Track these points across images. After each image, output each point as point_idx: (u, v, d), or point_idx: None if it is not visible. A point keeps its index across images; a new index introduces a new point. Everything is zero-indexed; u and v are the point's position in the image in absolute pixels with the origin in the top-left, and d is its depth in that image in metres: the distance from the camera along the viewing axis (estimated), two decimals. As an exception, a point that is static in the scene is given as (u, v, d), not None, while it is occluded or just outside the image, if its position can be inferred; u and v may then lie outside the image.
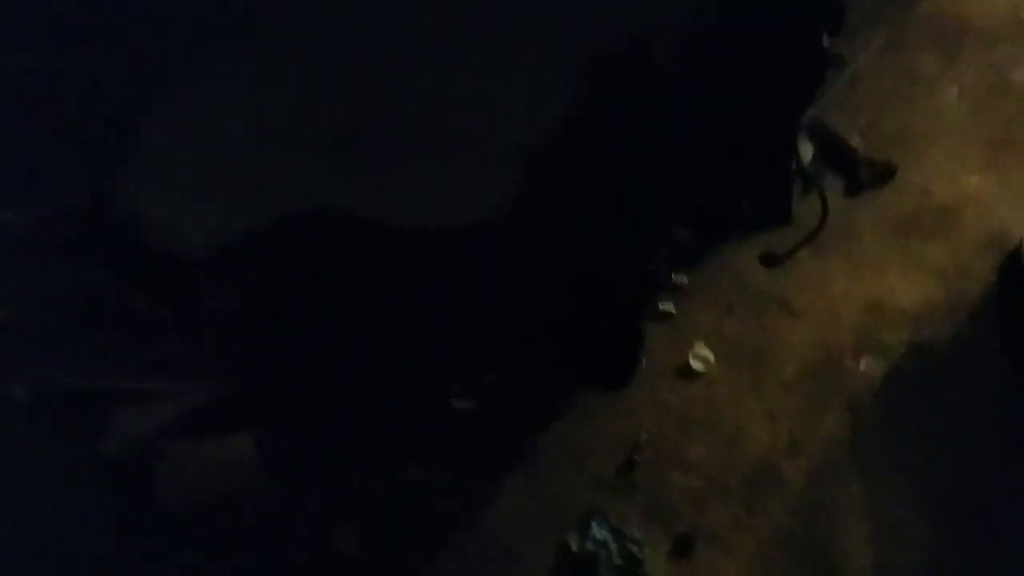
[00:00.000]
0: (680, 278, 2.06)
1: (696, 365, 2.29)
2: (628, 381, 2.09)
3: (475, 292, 1.93)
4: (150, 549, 1.92)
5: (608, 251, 1.92)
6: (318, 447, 2.06)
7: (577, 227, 1.86)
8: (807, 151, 2.69)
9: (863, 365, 2.29)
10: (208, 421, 2.03)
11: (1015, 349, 1.90)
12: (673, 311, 2.10)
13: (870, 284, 2.47)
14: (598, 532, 1.97)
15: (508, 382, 2.17)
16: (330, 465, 2.05)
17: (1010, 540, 1.94)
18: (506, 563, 1.97)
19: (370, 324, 2.09)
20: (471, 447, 2.11)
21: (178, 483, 1.99)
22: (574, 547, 1.95)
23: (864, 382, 2.26)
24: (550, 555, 1.99)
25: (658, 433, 2.17)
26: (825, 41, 1.88)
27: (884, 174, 2.71)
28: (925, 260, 2.51)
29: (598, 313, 1.97)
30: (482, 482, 2.07)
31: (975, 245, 2.50)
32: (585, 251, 1.90)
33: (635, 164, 1.87)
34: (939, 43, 3.00)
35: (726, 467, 2.12)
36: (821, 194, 2.00)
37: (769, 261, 2.19)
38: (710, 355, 2.30)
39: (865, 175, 2.71)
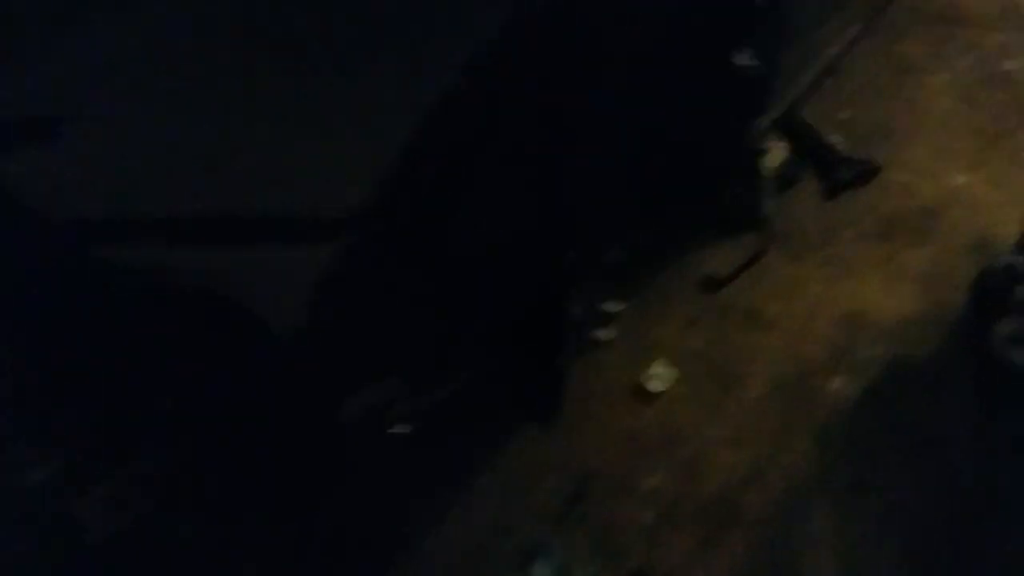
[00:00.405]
0: (612, 306, 1.90)
1: (654, 385, 2.14)
2: (552, 415, 1.93)
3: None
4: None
5: (514, 280, 1.75)
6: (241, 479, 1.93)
7: (484, 250, 1.70)
8: (780, 152, 2.52)
9: (835, 384, 2.14)
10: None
11: (983, 383, 1.74)
12: (612, 337, 1.95)
13: (847, 293, 2.31)
14: (541, 570, 1.83)
15: (451, 406, 2.02)
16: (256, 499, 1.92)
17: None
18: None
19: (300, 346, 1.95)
20: (408, 477, 1.97)
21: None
22: (515, 588, 1.81)
23: (835, 403, 2.10)
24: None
25: (611, 461, 2.03)
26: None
27: (865, 173, 2.55)
28: (906, 266, 2.35)
29: (513, 346, 1.81)
30: (418, 515, 1.92)
31: (960, 249, 2.33)
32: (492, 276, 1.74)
33: (550, 179, 1.70)
34: (927, 31, 2.83)
35: (683, 498, 1.97)
36: (763, 219, 1.82)
37: (711, 285, 2.02)
38: (669, 373, 2.15)
39: (845, 174, 2.55)
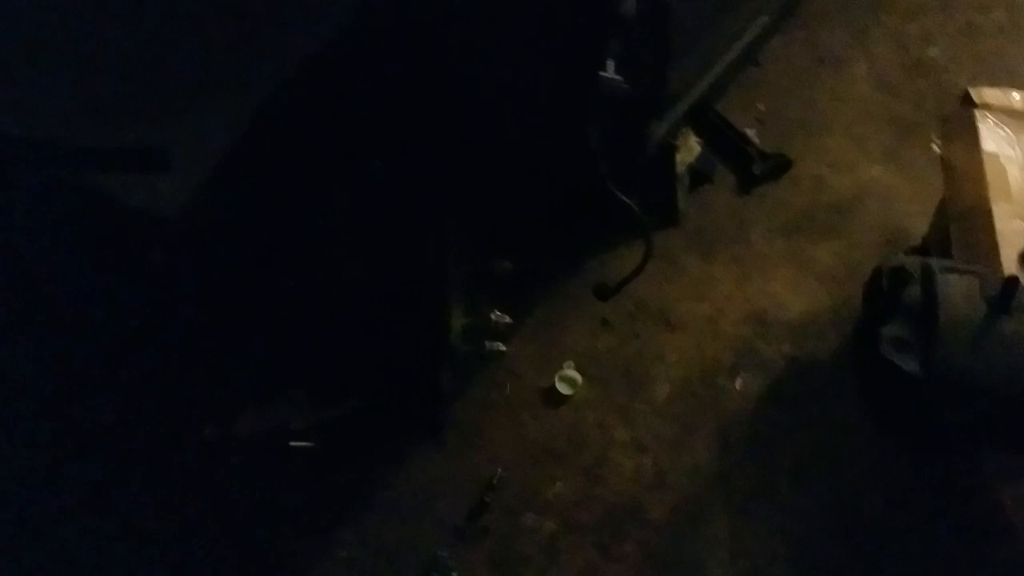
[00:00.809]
0: (501, 317, 1.88)
1: (563, 388, 2.14)
2: (433, 433, 1.92)
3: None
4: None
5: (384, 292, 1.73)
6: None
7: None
8: (692, 146, 2.51)
9: (739, 384, 2.14)
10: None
11: (871, 387, 1.75)
12: (502, 349, 1.93)
13: (755, 291, 2.31)
14: (436, 588, 1.83)
15: (349, 418, 2.01)
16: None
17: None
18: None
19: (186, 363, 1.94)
20: (305, 489, 1.96)
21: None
22: (409, 606, 1.81)
23: (738, 403, 2.11)
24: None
25: (516, 469, 2.02)
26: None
27: (778, 167, 2.55)
28: (814, 263, 2.35)
29: (393, 363, 1.79)
30: (312, 531, 1.92)
31: (870, 244, 2.34)
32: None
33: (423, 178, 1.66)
34: (849, 19, 2.81)
35: (584, 505, 1.98)
36: (645, 232, 1.81)
37: (602, 293, 2.01)
38: (578, 377, 2.15)
39: (758, 168, 2.54)
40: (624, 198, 1.67)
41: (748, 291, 2.31)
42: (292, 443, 1.97)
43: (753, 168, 2.53)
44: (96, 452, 1.99)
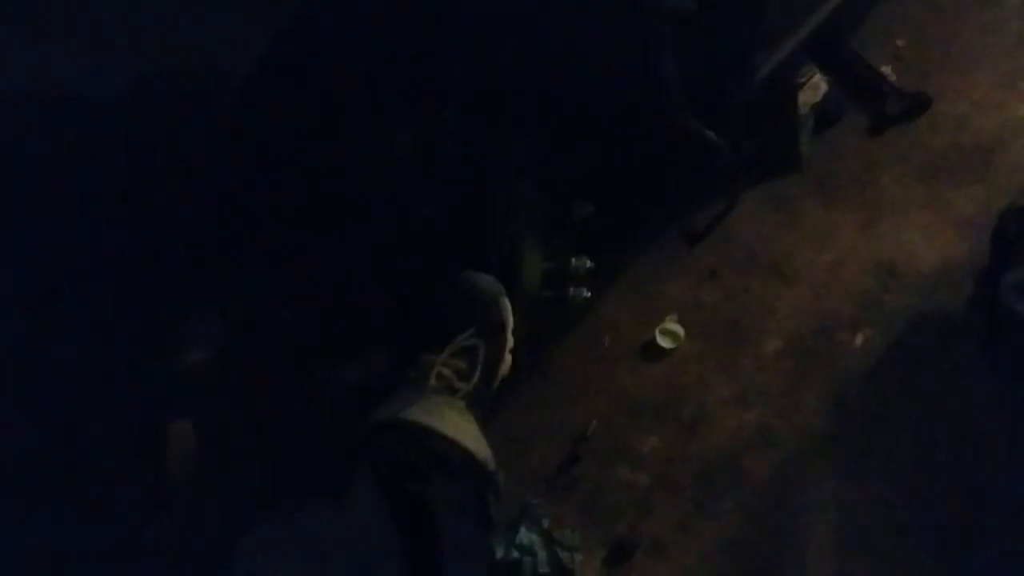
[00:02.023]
0: (582, 262, 1.81)
1: (663, 342, 2.05)
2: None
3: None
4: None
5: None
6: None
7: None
8: (819, 86, 2.33)
9: (859, 340, 1.99)
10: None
11: (991, 336, 1.56)
12: (587, 295, 1.86)
13: (883, 240, 2.13)
14: (526, 536, 1.81)
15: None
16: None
17: (990, 569, 1.63)
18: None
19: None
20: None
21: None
22: (499, 554, 1.80)
23: (856, 360, 1.96)
24: (478, 557, 1.84)
25: (611, 422, 1.96)
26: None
27: (916, 106, 2.33)
28: (951, 209, 2.14)
29: None
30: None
31: (1014, 189, 2.10)
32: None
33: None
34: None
35: (681, 461, 1.89)
36: (732, 169, 1.68)
37: (690, 239, 1.89)
38: (680, 330, 2.06)
39: (893, 107, 2.33)
40: (707, 132, 1.56)
41: (875, 240, 2.13)
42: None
43: (887, 108, 2.33)
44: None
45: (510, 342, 1.70)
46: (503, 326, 1.68)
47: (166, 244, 1.99)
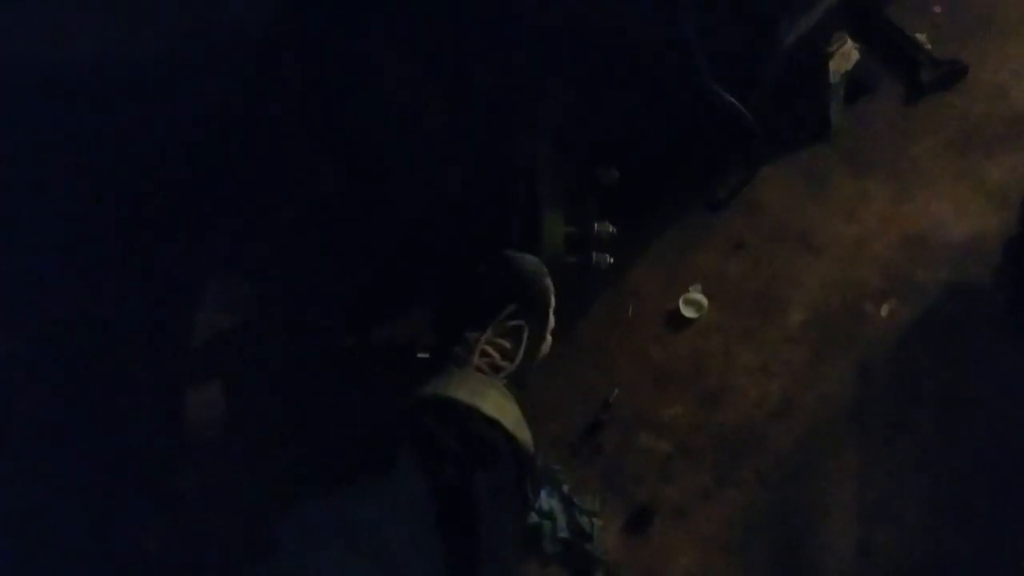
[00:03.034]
0: (605, 227, 1.80)
1: (687, 312, 2.04)
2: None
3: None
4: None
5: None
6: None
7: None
8: (850, 53, 2.29)
9: (885, 311, 1.97)
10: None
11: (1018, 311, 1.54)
12: (611, 261, 1.85)
13: (914, 211, 2.11)
14: (547, 502, 1.83)
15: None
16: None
17: (1014, 541, 1.62)
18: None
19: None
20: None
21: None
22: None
23: (883, 332, 1.94)
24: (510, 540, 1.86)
25: (633, 390, 1.97)
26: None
27: (951, 74, 2.28)
28: (986, 180, 2.11)
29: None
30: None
31: (1052, 159, 2.06)
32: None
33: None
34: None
35: (702, 429, 1.90)
36: (752, 135, 1.65)
37: (713, 206, 1.87)
38: (704, 300, 2.05)
39: (928, 75, 2.29)
40: (729, 97, 1.55)
41: (906, 211, 2.10)
42: (419, 355, 1.99)
43: (922, 76, 2.28)
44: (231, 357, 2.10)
45: (552, 323, 1.70)
46: (546, 306, 1.67)
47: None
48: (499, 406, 1.60)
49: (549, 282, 1.68)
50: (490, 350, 1.67)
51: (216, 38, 2.06)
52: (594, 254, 1.75)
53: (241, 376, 2.07)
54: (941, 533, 1.66)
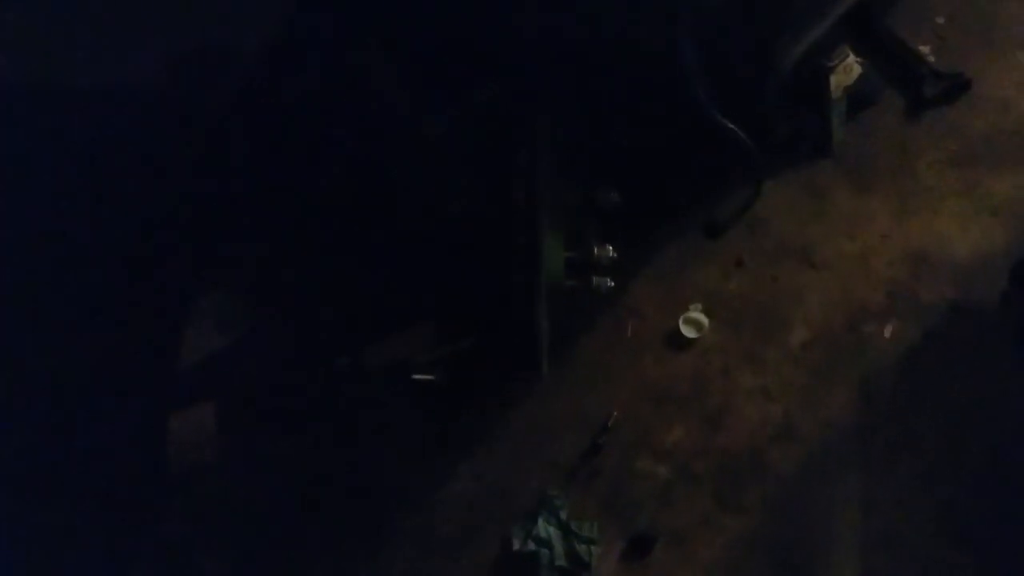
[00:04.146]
0: (605, 250, 1.77)
1: (688, 331, 2.01)
2: (532, 366, 1.84)
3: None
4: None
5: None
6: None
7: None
8: (852, 67, 2.25)
9: (888, 332, 1.94)
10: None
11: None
12: (611, 285, 1.82)
13: (916, 228, 2.07)
14: (544, 529, 1.80)
15: (471, 355, 2.00)
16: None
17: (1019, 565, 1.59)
18: (445, 553, 1.84)
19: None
20: (422, 422, 1.97)
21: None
22: (516, 545, 1.79)
23: (885, 352, 1.91)
24: (495, 547, 1.84)
25: (633, 412, 1.94)
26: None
27: (955, 88, 2.25)
28: (991, 196, 2.07)
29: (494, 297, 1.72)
30: (427, 462, 1.92)
31: (1057, 176, 2.03)
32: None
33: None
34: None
35: (703, 453, 1.86)
36: (753, 162, 1.62)
37: (712, 230, 1.84)
38: (705, 320, 2.02)
39: (931, 90, 2.25)
40: (726, 123, 1.51)
41: (908, 228, 2.07)
42: (415, 376, 1.97)
43: (925, 90, 2.25)
44: (230, 375, 2.08)
45: None
46: None
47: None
48: None
49: None
50: None
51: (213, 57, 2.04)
52: (594, 278, 1.72)
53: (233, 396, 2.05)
54: (946, 563, 1.62)
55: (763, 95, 1.76)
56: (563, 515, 1.81)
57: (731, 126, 1.54)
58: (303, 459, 1.94)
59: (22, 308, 2.12)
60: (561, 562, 1.76)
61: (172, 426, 2.01)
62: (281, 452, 1.97)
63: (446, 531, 1.85)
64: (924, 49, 2.29)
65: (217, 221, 2.18)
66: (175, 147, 2.21)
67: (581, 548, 1.77)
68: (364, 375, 2.05)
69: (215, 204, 2.18)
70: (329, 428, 1.98)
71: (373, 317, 2.08)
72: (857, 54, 2.25)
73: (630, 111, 1.72)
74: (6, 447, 1.99)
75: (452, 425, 1.96)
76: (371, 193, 2.09)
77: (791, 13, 1.74)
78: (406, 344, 2.05)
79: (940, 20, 2.35)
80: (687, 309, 2.04)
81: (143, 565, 1.87)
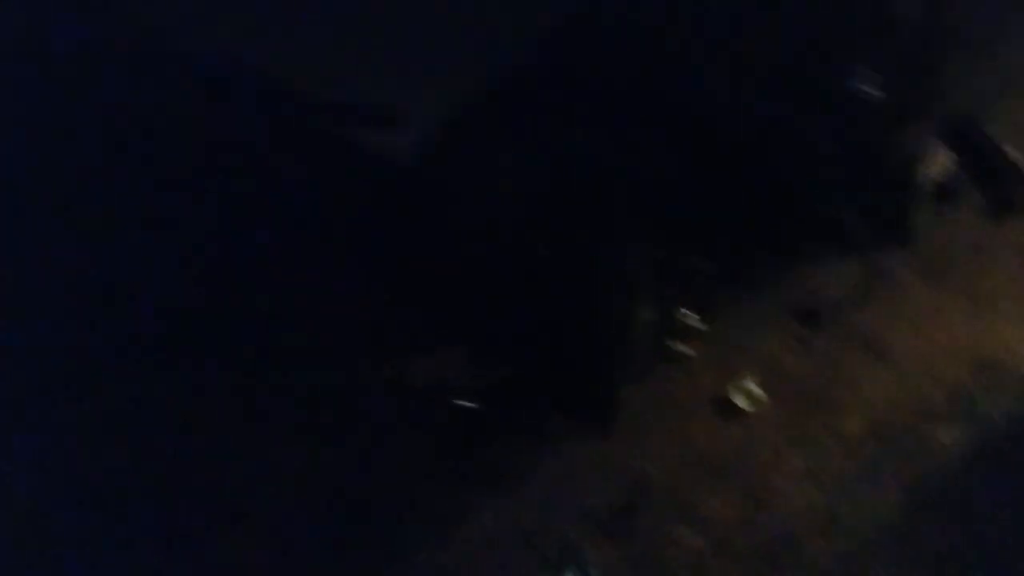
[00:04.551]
0: (691, 319, 1.72)
1: (739, 400, 1.97)
2: (604, 423, 1.80)
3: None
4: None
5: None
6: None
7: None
8: (943, 160, 2.22)
9: (948, 437, 1.88)
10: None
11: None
12: (690, 353, 1.78)
13: (986, 332, 2.03)
14: (569, 580, 1.74)
15: (516, 389, 1.95)
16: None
17: None
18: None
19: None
20: (456, 453, 1.92)
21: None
22: (541, 595, 1.73)
23: (940, 457, 1.86)
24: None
25: (673, 475, 1.89)
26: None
27: (1042, 198, 2.21)
28: (1068, 312, 2.02)
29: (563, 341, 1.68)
30: (454, 498, 1.87)
31: None
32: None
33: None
34: None
35: (742, 529, 1.81)
36: (866, 257, 1.58)
37: (807, 319, 1.80)
38: (759, 392, 1.97)
39: (1017, 194, 2.21)
40: (846, 215, 1.47)
41: (978, 330, 2.03)
42: (456, 401, 1.93)
43: (1011, 192, 2.21)
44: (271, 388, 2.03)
45: None
46: None
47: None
48: None
49: None
50: None
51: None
52: (670, 342, 1.68)
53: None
54: None
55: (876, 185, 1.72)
56: (591, 572, 1.75)
57: (852, 221, 1.50)
58: (322, 476, 1.89)
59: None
60: (585, 622, 1.71)
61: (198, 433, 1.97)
62: (299, 467, 1.91)
63: (465, 570, 1.79)
64: (1016, 153, 2.25)
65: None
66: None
67: (605, 608, 1.71)
68: (403, 390, 2.01)
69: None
70: (355, 443, 1.93)
71: (419, 332, 2.04)
72: (947, 148, 2.22)
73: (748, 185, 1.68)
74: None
75: (483, 456, 1.91)
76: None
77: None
78: (447, 366, 2.01)
79: (1033, 124, 2.32)
80: (741, 377, 1.99)
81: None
